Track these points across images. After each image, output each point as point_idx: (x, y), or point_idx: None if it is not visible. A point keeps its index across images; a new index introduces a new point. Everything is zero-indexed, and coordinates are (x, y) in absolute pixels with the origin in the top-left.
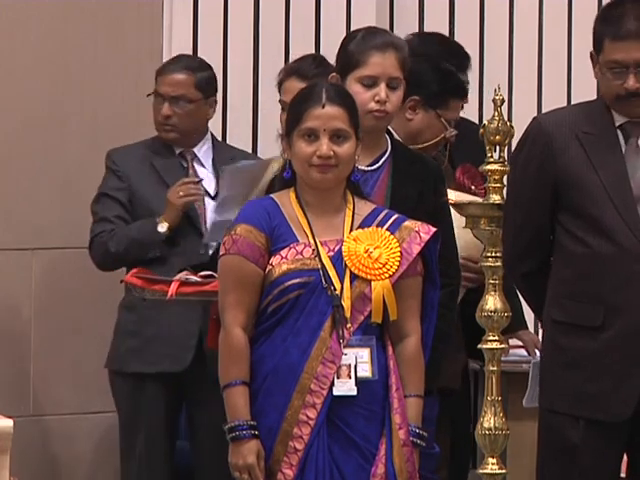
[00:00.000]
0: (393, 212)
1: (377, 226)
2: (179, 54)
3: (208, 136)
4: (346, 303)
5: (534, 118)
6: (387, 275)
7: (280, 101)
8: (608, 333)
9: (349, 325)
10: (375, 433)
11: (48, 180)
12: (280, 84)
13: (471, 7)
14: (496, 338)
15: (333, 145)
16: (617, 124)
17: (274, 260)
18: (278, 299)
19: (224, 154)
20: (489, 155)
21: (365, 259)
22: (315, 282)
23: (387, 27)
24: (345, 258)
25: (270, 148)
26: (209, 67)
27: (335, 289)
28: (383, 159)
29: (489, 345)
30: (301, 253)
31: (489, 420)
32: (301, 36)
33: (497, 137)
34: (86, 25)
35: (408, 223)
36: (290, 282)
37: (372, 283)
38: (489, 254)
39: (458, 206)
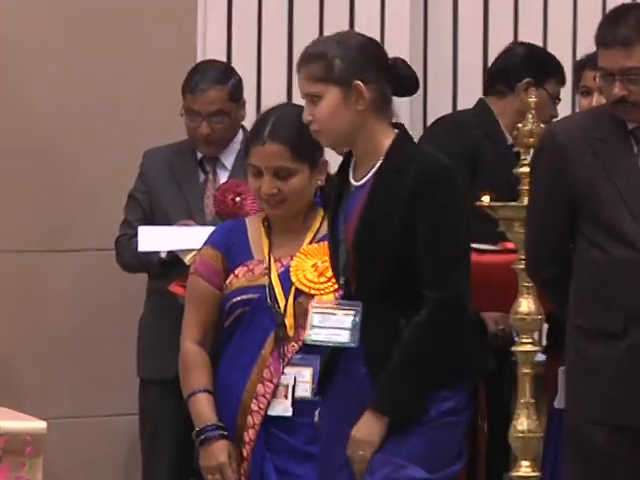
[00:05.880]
0: None
1: None
2: (202, 63)
3: (238, 137)
4: (289, 321)
5: (546, 127)
6: (332, 289)
7: None
8: (628, 339)
9: (293, 344)
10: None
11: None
12: None
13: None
14: (530, 341)
15: (277, 181)
16: (629, 128)
17: (230, 278)
18: (228, 316)
19: None
20: (523, 158)
21: (311, 273)
22: (260, 299)
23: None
24: (291, 273)
25: None
26: (233, 70)
27: (279, 306)
28: (369, 175)
29: (522, 348)
30: (252, 270)
31: (522, 423)
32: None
33: (531, 139)
34: (119, 26)
35: None
36: (235, 299)
37: (315, 298)
38: (523, 256)
39: (492, 208)
